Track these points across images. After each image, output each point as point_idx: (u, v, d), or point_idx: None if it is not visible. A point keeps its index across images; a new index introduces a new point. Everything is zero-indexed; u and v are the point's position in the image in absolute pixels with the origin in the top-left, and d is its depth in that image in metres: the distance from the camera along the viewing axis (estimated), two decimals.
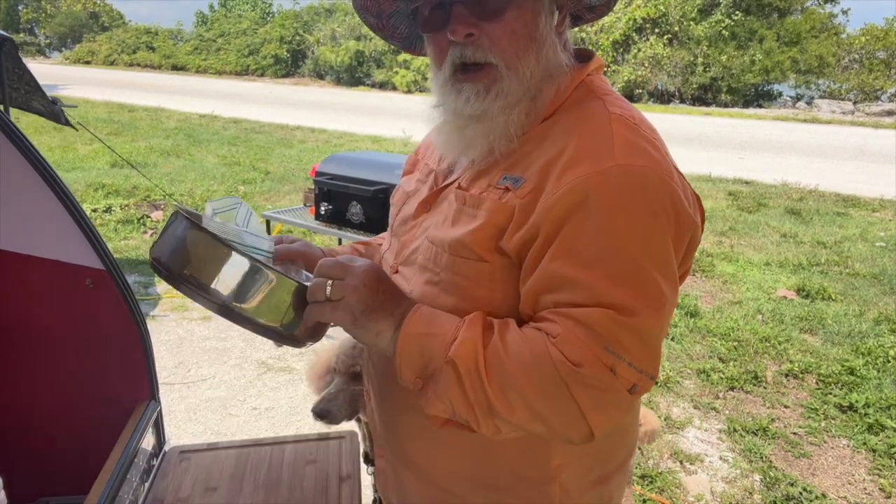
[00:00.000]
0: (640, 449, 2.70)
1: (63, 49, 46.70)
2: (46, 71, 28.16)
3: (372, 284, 0.87)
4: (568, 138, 0.88)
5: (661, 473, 2.82)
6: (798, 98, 22.28)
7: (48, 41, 49.15)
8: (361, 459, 1.37)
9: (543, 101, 0.93)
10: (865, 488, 2.79)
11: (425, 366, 0.85)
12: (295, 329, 0.89)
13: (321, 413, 1.27)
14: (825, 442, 3.10)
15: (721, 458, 2.96)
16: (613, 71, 22.40)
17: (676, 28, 22.34)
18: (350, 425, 2.58)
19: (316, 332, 0.92)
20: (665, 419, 3.24)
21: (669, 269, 0.85)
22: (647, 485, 2.75)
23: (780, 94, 22.91)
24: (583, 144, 0.86)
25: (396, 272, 1.04)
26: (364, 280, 0.87)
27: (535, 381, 0.82)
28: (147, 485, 1.69)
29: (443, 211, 0.99)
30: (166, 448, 1.94)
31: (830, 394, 3.50)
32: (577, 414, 0.82)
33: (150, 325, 4.20)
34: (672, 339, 4.12)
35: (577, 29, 1.04)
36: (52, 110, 4.57)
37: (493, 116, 0.91)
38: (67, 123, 4.82)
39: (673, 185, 0.85)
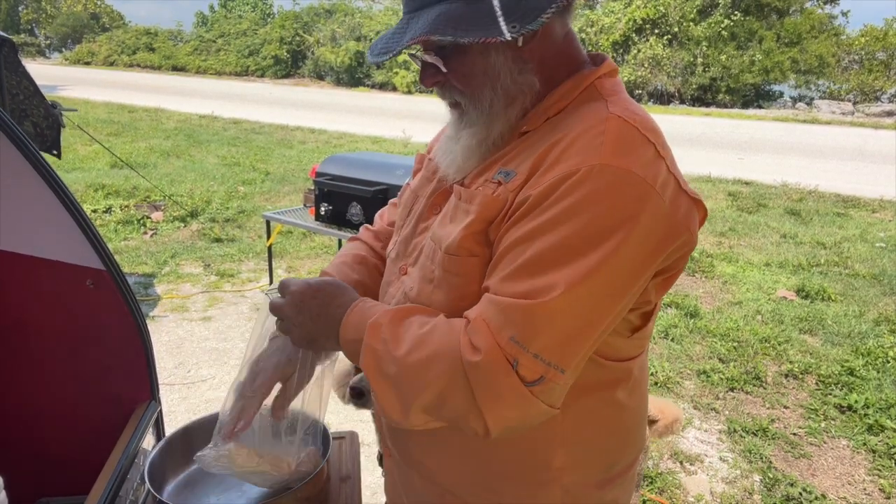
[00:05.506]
0: (657, 441, 2.64)
1: (63, 50, 46.70)
2: (46, 72, 28.19)
3: (308, 304, 0.99)
4: (562, 135, 0.89)
5: (660, 474, 2.82)
6: (798, 99, 22.30)
7: (48, 42, 49.18)
8: (377, 461, 1.37)
9: (509, 118, 0.97)
10: (865, 489, 2.79)
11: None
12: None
13: (359, 391, 1.17)
14: (825, 442, 3.11)
15: (721, 459, 2.96)
16: None
17: (676, 29, 22.36)
18: (350, 425, 2.58)
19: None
20: None
21: (614, 272, 0.83)
22: (648, 485, 2.75)
23: (780, 95, 22.93)
24: (574, 141, 0.87)
25: (405, 273, 1.05)
26: (300, 305, 1.00)
27: (438, 368, 0.84)
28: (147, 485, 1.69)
29: (445, 207, 1.01)
30: None
31: (830, 394, 3.51)
32: (472, 404, 0.82)
33: (151, 326, 4.20)
34: (672, 340, 4.13)
35: (577, 30, 1.04)
36: (50, 113, 4.55)
37: (463, 140, 1.01)
38: (56, 146, 4.64)
39: (654, 194, 0.84)
